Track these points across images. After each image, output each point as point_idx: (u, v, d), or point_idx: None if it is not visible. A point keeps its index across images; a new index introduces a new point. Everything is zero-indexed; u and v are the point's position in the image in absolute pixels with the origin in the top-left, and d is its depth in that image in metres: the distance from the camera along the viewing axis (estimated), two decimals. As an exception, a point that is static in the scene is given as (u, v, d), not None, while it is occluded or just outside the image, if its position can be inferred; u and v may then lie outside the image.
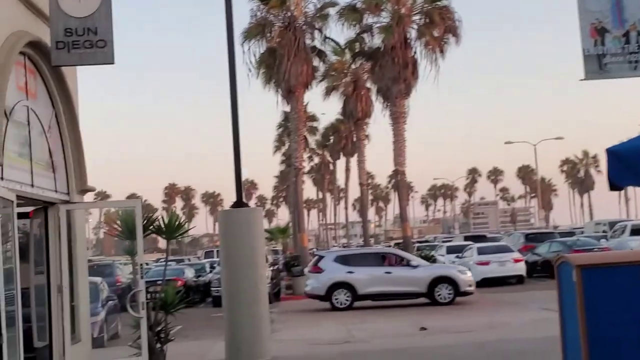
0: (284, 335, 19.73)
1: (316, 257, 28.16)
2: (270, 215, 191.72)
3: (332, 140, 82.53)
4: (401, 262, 26.02)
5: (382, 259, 26.66)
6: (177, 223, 13.70)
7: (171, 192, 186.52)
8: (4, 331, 8.41)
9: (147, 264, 54.14)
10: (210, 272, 37.40)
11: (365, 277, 25.48)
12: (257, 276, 14.04)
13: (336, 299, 25.51)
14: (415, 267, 25.60)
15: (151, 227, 13.52)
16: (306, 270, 28.13)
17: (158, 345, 13.50)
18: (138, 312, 11.62)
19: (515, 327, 18.15)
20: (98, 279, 21.02)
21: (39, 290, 11.73)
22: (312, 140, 78.84)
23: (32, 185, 10.46)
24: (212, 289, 31.97)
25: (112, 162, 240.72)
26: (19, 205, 11.18)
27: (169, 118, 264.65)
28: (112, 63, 10.78)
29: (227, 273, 14.07)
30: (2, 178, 9.33)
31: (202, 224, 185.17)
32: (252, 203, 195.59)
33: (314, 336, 18.72)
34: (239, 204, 14.15)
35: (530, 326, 17.97)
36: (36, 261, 11.88)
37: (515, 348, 14.27)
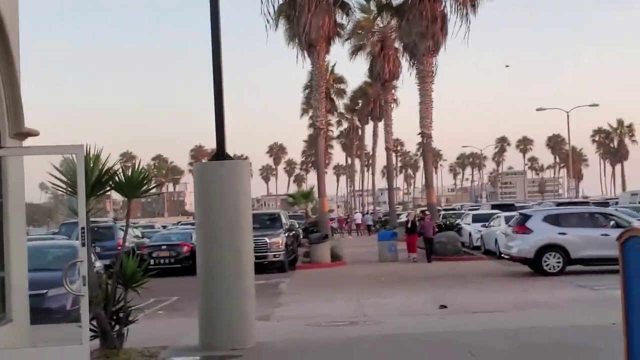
0: (287, 311, 17.48)
1: (521, 216, 25.13)
2: (299, 180, 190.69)
3: (360, 104, 79.90)
4: (618, 223, 23.21)
5: (596, 220, 24.10)
6: (141, 178, 11.31)
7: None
8: None
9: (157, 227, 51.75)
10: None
11: (580, 240, 22.91)
12: (241, 243, 11.49)
13: (546, 263, 22.87)
14: None
15: (110, 182, 11.16)
16: (509, 230, 25.25)
17: (117, 327, 11.18)
18: (78, 289, 9.22)
19: (549, 309, 15.83)
20: (76, 243, 18.78)
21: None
22: (340, 104, 76.29)
23: None
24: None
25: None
26: None
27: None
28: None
29: (203, 239, 11.54)
30: None
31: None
32: (280, 168, 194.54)
33: (319, 313, 16.50)
34: (219, 155, 11.59)
35: (568, 308, 15.65)
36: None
37: (553, 339, 11.71)
